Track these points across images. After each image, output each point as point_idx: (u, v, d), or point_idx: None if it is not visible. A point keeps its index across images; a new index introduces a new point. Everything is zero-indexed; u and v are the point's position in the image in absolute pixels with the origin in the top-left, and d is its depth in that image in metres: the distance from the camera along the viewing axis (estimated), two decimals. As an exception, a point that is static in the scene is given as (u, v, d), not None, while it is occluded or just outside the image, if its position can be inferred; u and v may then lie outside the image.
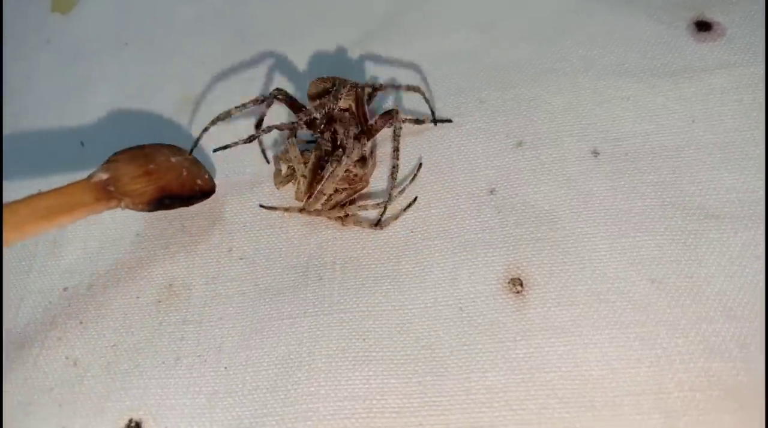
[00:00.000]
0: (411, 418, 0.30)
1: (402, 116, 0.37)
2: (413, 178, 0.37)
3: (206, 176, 0.39)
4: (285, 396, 0.32)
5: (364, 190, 0.37)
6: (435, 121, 0.39)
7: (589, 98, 0.39)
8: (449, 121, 0.39)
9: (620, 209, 0.35)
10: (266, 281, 0.36)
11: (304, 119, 0.36)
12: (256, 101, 0.37)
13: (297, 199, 0.37)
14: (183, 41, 0.47)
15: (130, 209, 0.35)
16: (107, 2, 0.51)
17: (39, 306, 0.37)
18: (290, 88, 0.42)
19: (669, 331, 0.31)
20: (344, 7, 0.47)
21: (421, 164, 0.38)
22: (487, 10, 0.44)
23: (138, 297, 0.37)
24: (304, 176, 0.36)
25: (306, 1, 0.48)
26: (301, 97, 0.40)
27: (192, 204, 0.38)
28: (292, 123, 0.36)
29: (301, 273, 0.36)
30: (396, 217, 0.36)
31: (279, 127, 0.36)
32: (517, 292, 0.33)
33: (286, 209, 0.38)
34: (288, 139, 0.35)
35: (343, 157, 0.34)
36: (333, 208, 0.36)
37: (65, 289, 0.37)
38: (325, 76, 0.38)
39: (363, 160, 0.36)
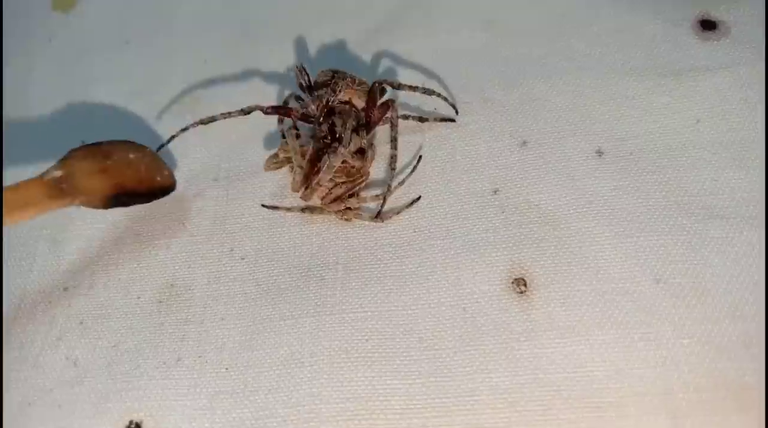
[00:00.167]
0: (414, 420, 0.30)
1: (400, 109, 0.37)
2: (413, 170, 0.37)
3: (166, 172, 0.39)
4: (287, 398, 0.32)
5: (364, 184, 0.37)
6: (443, 118, 0.39)
7: (594, 97, 0.39)
8: (452, 120, 0.39)
9: (625, 209, 0.35)
10: (268, 281, 0.36)
11: (301, 112, 0.36)
12: (242, 112, 0.37)
13: (293, 190, 0.37)
14: (185, 39, 0.47)
15: (86, 207, 0.35)
16: (108, 0, 0.51)
17: (39, 306, 0.37)
18: (292, 86, 0.41)
19: (674, 331, 0.31)
20: (348, 4, 0.47)
21: (421, 156, 0.38)
22: (492, 9, 0.44)
23: (139, 298, 0.36)
24: (300, 167, 0.35)
25: (309, -2, 0.48)
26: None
27: (151, 200, 0.38)
28: (287, 109, 0.36)
29: (303, 274, 0.36)
30: (398, 212, 0.36)
31: (269, 110, 0.36)
32: (521, 292, 0.33)
33: (288, 209, 0.38)
34: (287, 129, 0.35)
35: (340, 147, 0.34)
36: (333, 201, 0.36)
37: (65, 289, 0.37)
38: (326, 68, 0.38)
39: (362, 153, 0.36)
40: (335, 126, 0.36)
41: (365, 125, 0.37)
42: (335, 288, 0.35)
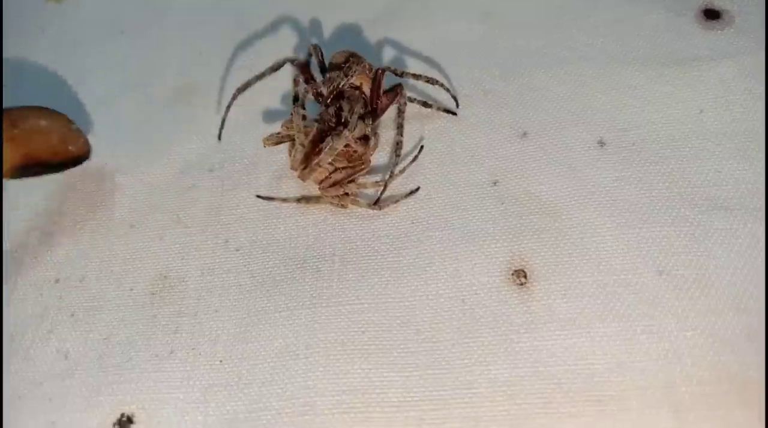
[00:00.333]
0: (411, 412, 0.30)
1: (407, 94, 0.37)
2: (414, 160, 0.37)
3: (81, 140, 0.37)
4: (281, 390, 0.31)
5: (365, 172, 0.36)
6: (446, 110, 0.38)
7: (595, 87, 0.38)
8: (454, 113, 0.39)
9: (627, 200, 0.34)
10: (263, 273, 0.35)
11: (312, 91, 0.35)
12: (272, 69, 0.37)
13: (291, 167, 0.36)
14: (180, 29, 0.46)
15: None
16: (103, -10, 0.50)
17: (30, 298, 0.36)
18: (289, 75, 0.41)
19: (677, 324, 0.30)
20: (345, -6, 0.46)
21: (422, 146, 0.37)
22: (490, 0, 0.44)
23: (131, 290, 0.36)
24: (302, 145, 0.35)
25: (305, -12, 0.47)
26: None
27: (63, 170, 0.37)
28: (298, 91, 0.35)
29: (298, 265, 0.35)
30: (396, 201, 0.35)
31: (297, 63, 0.36)
32: (521, 284, 0.32)
33: (284, 199, 0.37)
34: (294, 107, 0.34)
35: (344, 131, 0.33)
36: (332, 186, 0.35)
37: (57, 281, 0.36)
38: (344, 49, 0.38)
39: (365, 140, 0.36)
40: (342, 110, 0.35)
41: (372, 113, 0.36)
42: (331, 279, 0.34)
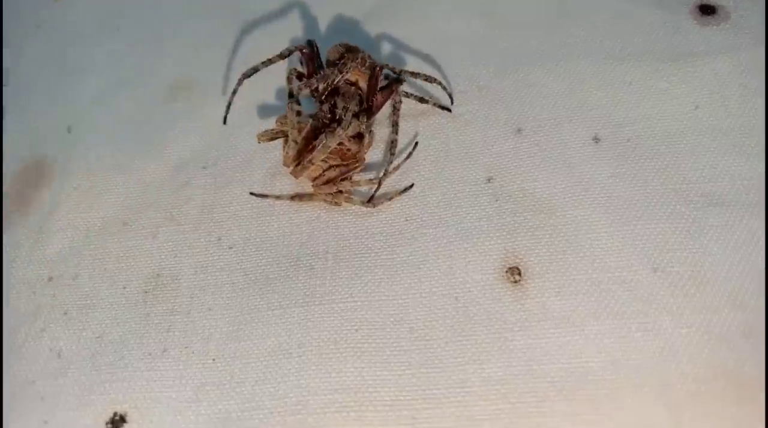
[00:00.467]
0: (404, 411, 0.29)
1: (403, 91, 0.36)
2: (408, 156, 0.36)
3: None
4: (274, 389, 0.31)
5: (358, 170, 0.36)
6: (441, 106, 0.38)
7: (591, 83, 0.38)
8: (448, 110, 0.38)
9: (622, 196, 0.34)
10: (256, 271, 0.35)
11: (306, 88, 0.35)
12: (280, 56, 0.37)
13: (284, 164, 0.36)
14: (176, 25, 0.46)
15: None
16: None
17: (23, 297, 0.36)
18: (280, 76, 0.41)
19: (673, 321, 0.30)
20: (340, -11, 0.46)
21: (417, 142, 0.37)
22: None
23: (125, 288, 0.35)
24: (295, 142, 0.34)
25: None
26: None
27: None
28: (314, 66, 0.35)
29: (292, 263, 0.35)
30: (390, 198, 0.35)
31: (305, 50, 0.36)
32: (515, 282, 0.32)
33: (277, 197, 0.37)
34: (288, 103, 0.34)
35: (338, 129, 0.33)
36: (325, 183, 0.35)
37: (50, 279, 0.36)
38: (340, 42, 0.38)
39: (359, 137, 0.35)
40: (336, 107, 0.35)
41: (366, 110, 0.36)
42: (325, 277, 0.34)
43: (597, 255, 0.32)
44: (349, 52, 0.37)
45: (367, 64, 0.36)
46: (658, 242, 0.32)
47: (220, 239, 0.36)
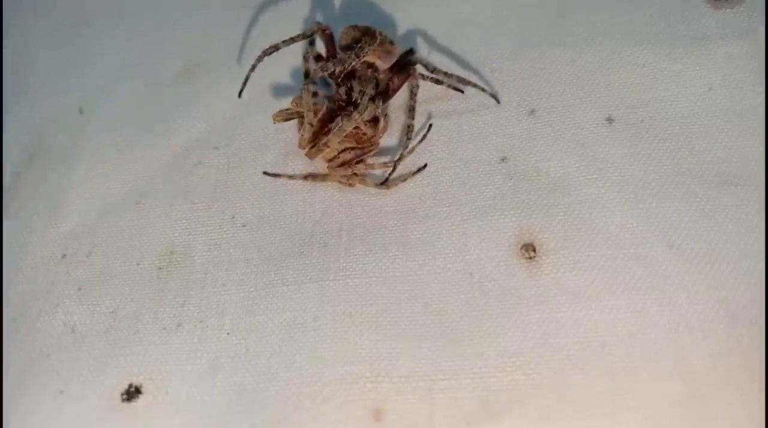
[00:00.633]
0: (420, 383, 0.29)
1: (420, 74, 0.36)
2: (422, 139, 0.36)
3: None
4: (289, 361, 0.31)
5: (373, 153, 0.36)
6: (454, 87, 0.38)
7: (604, 65, 0.38)
8: (461, 91, 0.38)
9: (636, 176, 0.34)
10: (270, 248, 0.35)
11: (323, 71, 0.35)
12: (303, 36, 0.37)
13: (299, 146, 0.36)
14: (184, 8, 0.46)
15: None
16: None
17: (37, 273, 0.36)
18: (295, 55, 0.41)
19: (688, 297, 0.30)
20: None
21: (431, 125, 0.37)
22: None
23: (138, 264, 0.36)
24: (311, 124, 0.34)
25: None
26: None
27: None
28: (311, 70, 0.35)
29: (305, 241, 0.35)
30: (404, 179, 0.35)
31: (327, 32, 0.36)
32: (530, 258, 0.32)
33: (291, 176, 0.37)
34: (304, 83, 0.34)
35: (354, 113, 0.33)
36: (340, 166, 0.35)
37: (64, 256, 0.36)
38: (353, 24, 0.37)
39: (375, 121, 0.35)
40: (353, 91, 0.35)
41: (383, 94, 0.36)
42: (339, 254, 0.34)
43: (612, 233, 0.32)
44: (366, 35, 0.37)
45: (383, 43, 0.36)
46: (672, 220, 0.32)
47: (233, 217, 0.36)
